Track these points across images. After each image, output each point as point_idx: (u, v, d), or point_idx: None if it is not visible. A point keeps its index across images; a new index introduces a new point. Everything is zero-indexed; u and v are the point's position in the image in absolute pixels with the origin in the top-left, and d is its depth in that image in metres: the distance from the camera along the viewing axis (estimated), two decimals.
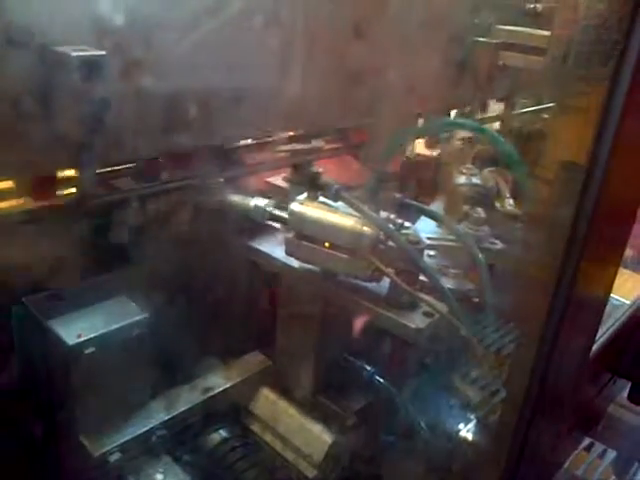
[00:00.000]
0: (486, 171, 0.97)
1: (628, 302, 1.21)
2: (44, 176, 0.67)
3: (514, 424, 0.56)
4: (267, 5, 0.73)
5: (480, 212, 0.86)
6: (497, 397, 0.93)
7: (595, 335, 0.83)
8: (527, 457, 0.58)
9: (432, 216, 0.83)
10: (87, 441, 0.68)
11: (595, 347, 0.87)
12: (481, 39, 1.08)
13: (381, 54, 0.87)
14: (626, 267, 1.44)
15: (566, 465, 1.32)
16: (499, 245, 0.83)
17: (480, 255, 0.76)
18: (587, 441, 1.41)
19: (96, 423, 0.69)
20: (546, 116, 1.15)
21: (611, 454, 1.40)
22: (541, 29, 1.07)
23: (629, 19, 0.47)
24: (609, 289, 0.72)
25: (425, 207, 0.83)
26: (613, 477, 1.36)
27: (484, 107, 1.10)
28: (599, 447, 1.41)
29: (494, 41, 1.08)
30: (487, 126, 1.15)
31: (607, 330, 1.03)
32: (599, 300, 0.70)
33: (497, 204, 0.90)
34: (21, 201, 0.68)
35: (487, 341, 1.05)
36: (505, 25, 1.10)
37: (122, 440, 0.69)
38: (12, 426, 0.70)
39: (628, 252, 1.51)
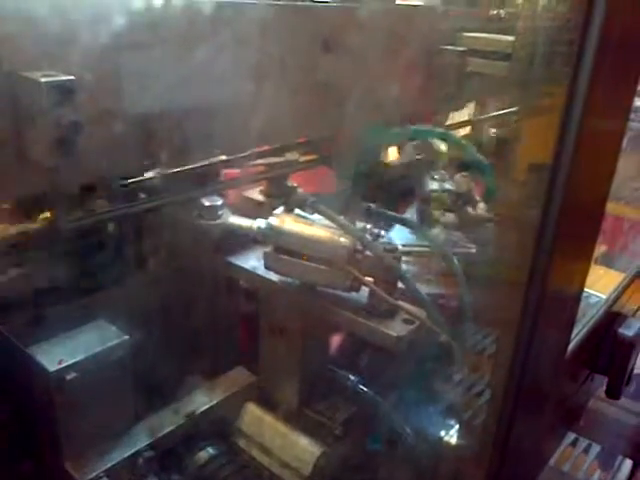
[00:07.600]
0: (458, 176, 0.99)
1: (604, 297, 1.24)
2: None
3: (494, 423, 0.57)
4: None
5: (453, 217, 0.87)
6: (482, 399, 0.94)
7: (571, 330, 0.84)
8: (510, 455, 0.59)
9: (406, 224, 0.85)
10: (73, 469, 0.67)
11: (572, 345, 0.89)
12: (448, 47, 1.10)
13: (349, 66, 0.89)
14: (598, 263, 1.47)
15: (552, 463, 1.33)
16: (473, 249, 0.85)
17: (455, 260, 0.78)
18: (572, 437, 1.42)
19: (81, 449, 0.68)
20: (514, 119, 1.18)
21: (596, 448, 1.41)
22: (506, 34, 1.10)
23: (584, 17, 0.49)
24: (582, 285, 0.73)
25: (398, 215, 0.84)
26: (598, 471, 1.37)
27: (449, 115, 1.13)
28: (583, 442, 1.42)
29: (460, 49, 1.10)
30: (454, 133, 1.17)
31: (583, 327, 1.05)
32: (572, 296, 0.72)
33: (469, 208, 0.92)
34: None
35: (470, 343, 1.06)
36: (470, 32, 1.13)
37: (109, 465, 0.68)
38: None
39: (602, 248, 1.54)
